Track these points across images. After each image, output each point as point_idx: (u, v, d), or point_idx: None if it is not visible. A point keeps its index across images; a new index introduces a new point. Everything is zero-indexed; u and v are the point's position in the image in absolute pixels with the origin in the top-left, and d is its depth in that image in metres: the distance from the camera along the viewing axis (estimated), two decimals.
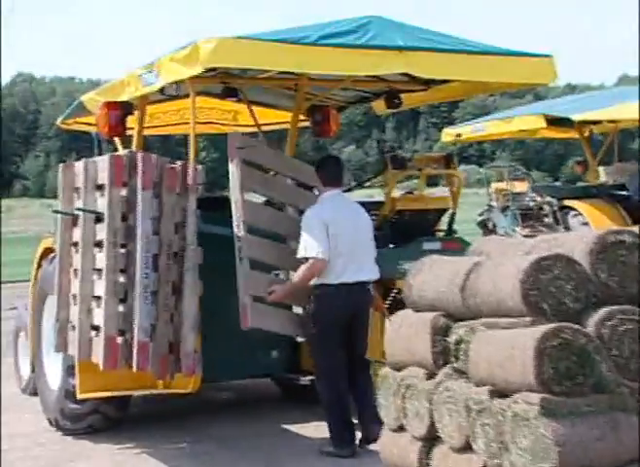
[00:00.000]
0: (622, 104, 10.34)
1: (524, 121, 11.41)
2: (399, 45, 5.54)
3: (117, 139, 6.78)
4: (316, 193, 6.17)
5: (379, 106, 7.60)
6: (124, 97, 6.33)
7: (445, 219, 7.30)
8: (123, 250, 5.39)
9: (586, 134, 12.15)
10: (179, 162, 5.48)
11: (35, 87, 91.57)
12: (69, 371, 6.35)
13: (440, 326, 3.52)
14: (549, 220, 11.36)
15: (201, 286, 5.45)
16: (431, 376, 3.53)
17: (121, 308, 5.39)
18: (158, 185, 5.35)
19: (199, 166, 5.40)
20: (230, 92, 6.61)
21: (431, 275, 3.63)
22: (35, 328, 7.09)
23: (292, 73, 6.76)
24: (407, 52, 5.54)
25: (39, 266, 7.11)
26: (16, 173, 75.26)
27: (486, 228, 11.94)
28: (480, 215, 12.05)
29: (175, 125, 8.23)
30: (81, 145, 75.97)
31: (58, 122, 7.87)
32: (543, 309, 3.16)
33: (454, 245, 6.84)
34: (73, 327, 5.99)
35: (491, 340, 3.22)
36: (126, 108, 6.44)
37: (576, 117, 10.76)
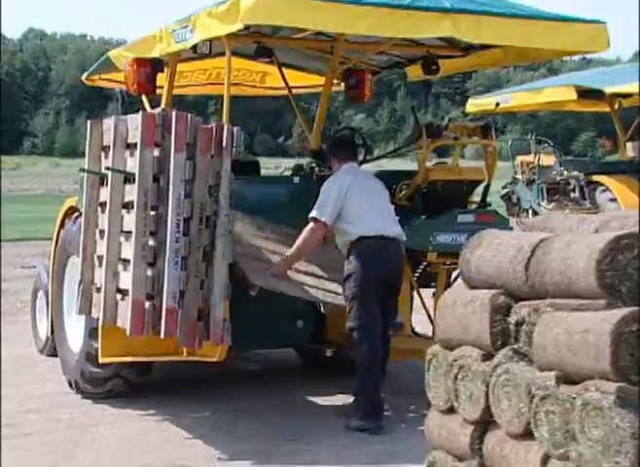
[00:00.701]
0: None
1: (555, 92, 11.17)
2: (445, 6, 5.32)
3: (144, 97, 6.59)
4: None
5: (414, 72, 7.39)
6: (154, 54, 6.13)
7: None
8: (153, 212, 5.20)
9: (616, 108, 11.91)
10: (214, 123, 5.27)
11: (46, 43, 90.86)
12: (91, 334, 6.19)
13: (499, 305, 3.32)
14: (575, 195, 11.17)
15: (233, 253, 5.26)
16: (488, 357, 3.34)
17: (149, 272, 5.20)
18: (191, 146, 5.14)
19: (235, 128, 5.18)
20: (263, 52, 6.39)
21: (491, 250, 3.43)
22: (56, 289, 6.93)
23: (327, 35, 6.56)
24: (454, 14, 5.32)
25: (62, 225, 6.92)
26: (25, 131, 74.83)
27: (510, 201, 11.75)
28: (504, 188, 11.84)
29: (202, 85, 8.01)
30: (91, 104, 75.67)
31: (83, 77, 7.66)
32: (619, 292, 2.96)
33: (489, 218, 6.64)
34: (98, 289, 5.83)
35: (560, 322, 3.02)
36: (157, 65, 6.25)
37: (608, 89, 10.51)
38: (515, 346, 3.26)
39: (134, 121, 5.40)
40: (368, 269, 5.61)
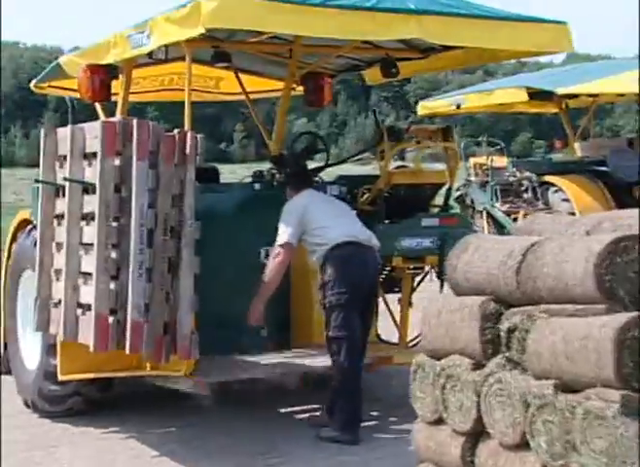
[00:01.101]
0: (608, 78, 10.15)
1: (506, 94, 11.18)
2: (410, 8, 5.22)
3: (98, 105, 6.40)
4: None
5: (372, 75, 7.29)
6: (108, 60, 5.94)
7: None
8: (115, 224, 5.03)
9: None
10: (176, 131, 5.11)
11: None
12: (49, 350, 5.99)
13: (490, 312, 3.22)
14: (528, 196, 11.19)
15: (199, 264, 5.10)
16: (478, 366, 3.24)
17: (112, 286, 5.03)
18: (154, 154, 4.98)
19: (198, 135, 5.03)
20: (221, 57, 6.23)
21: (479, 256, 3.33)
22: (9, 304, 6.69)
23: (283, 39, 6.45)
24: (419, 15, 5.22)
25: (14, 238, 6.69)
26: None
27: (464, 203, 11.72)
28: (457, 190, 11.81)
29: (156, 91, 7.83)
30: (26, 113, 74.53)
31: (32, 85, 7.43)
32: (619, 296, 2.88)
33: (452, 221, 6.58)
34: (56, 305, 5.63)
35: (557, 328, 2.94)
36: (111, 72, 6.07)
37: (560, 90, 10.55)
38: (508, 354, 3.17)
39: (93, 129, 5.22)
40: (346, 274, 5.52)
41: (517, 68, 70.06)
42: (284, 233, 5.67)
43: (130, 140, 4.98)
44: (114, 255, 5.02)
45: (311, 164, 6.72)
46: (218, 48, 6.21)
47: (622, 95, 11.75)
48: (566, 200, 10.85)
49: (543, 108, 12.19)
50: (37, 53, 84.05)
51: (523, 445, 3.07)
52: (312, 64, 6.81)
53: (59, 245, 5.59)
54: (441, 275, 6.55)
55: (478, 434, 3.30)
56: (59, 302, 5.55)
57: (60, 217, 5.64)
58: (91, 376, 5.85)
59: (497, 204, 10.96)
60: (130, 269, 4.94)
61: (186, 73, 5.48)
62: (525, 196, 11.17)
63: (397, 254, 6.28)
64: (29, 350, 6.45)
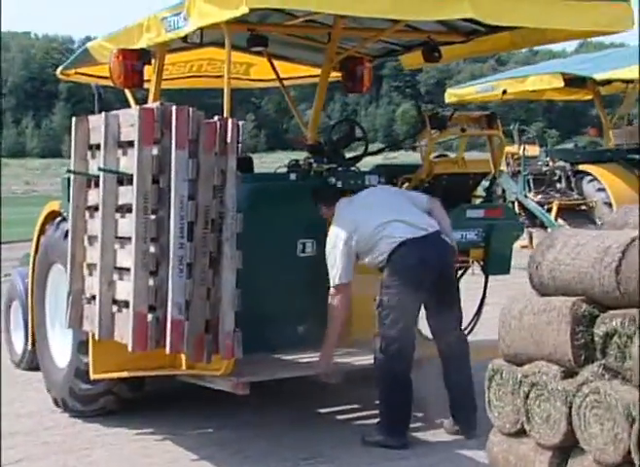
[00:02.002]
0: None
1: (540, 80, 10.86)
2: None
3: (128, 92, 6.14)
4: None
5: (411, 60, 7.03)
6: (141, 44, 5.68)
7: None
8: (153, 216, 4.76)
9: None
10: (216, 118, 4.83)
11: None
12: (81, 348, 5.75)
13: (582, 314, 2.95)
14: (561, 185, 10.89)
15: (240, 258, 4.84)
16: (569, 374, 2.97)
17: (151, 282, 4.77)
18: (193, 143, 4.71)
19: (241, 122, 4.75)
20: (257, 41, 5.94)
21: (568, 252, 3.06)
22: (37, 299, 6.44)
23: (322, 22, 6.18)
24: None
25: (42, 231, 6.43)
26: None
27: (494, 193, 11.39)
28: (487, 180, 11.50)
29: (184, 78, 7.55)
30: (38, 102, 74.26)
31: (58, 72, 7.15)
32: None
33: (498, 213, 6.31)
34: (88, 301, 5.39)
35: None
36: (144, 56, 5.79)
37: (598, 76, 10.23)
38: (605, 362, 2.89)
39: (129, 117, 4.95)
40: (401, 275, 5.22)
41: (530, 58, 69.57)
42: (336, 273, 5.35)
43: (169, 128, 4.71)
44: (152, 249, 4.76)
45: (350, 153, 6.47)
46: (254, 31, 5.92)
47: None
48: (602, 190, 10.57)
49: (576, 95, 11.88)
50: (48, 43, 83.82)
51: (625, 464, 2.79)
52: (350, 49, 6.53)
53: (92, 238, 5.35)
54: (485, 270, 6.29)
55: (567, 449, 3.03)
56: (93, 298, 5.31)
57: (93, 209, 5.39)
58: (125, 374, 5.61)
59: (530, 195, 10.66)
60: (170, 265, 4.68)
61: (225, 58, 5.20)
62: (559, 185, 10.89)
63: None
64: (59, 347, 6.21)
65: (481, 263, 6.27)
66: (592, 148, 14.68)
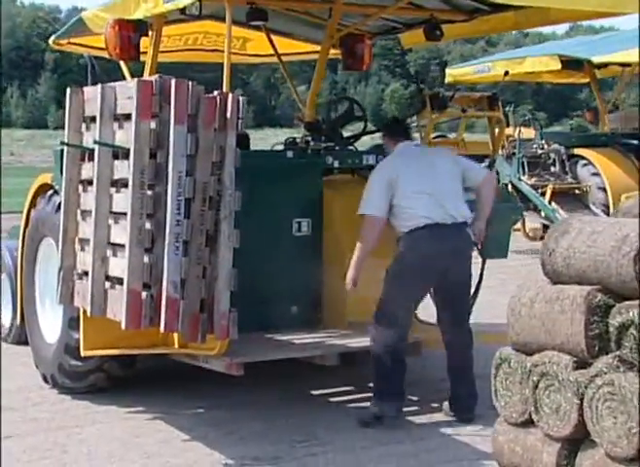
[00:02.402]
0: None
1: (538, 62, 10.77)
2: None
3: (123, 64, 6.00)
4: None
5: (411, 38, 6.92)
6: (138, 15, 5.53)
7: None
8: (150, 192, 4.64)
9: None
10: (216, 92, 4.72)
11: None
12: (71, 323, 5.66)
13: (597, 304, 2.87)
14: (556, 169, 10.82)
15: (238, 237, 4.74)
16: (581, 364, 2.89)
17: (146, 259, 4.66)
18: (193, 118, 4.59)
19: (241, 97, 4.64)
20: (258, 15, 5.81)
21: (583, 240, 2.97)
22: (27, 273, 6.33)
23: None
24: None
25: (33, 204, 6.31)
26: None
27: None
28: (482, 162, 11.41)
29: (179, 51, 7.41)
30: (23, 73, 73.36)
31: (50, 41, 7.01)
32: None
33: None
34: (80, 276, 5.28)
35: None
36: (141, 28, 5.65)
37: (596, 59, 10.14)
38: (619, 353, 2.81)
39: (126, 89, 4.83)
40: (408, 255, 5.21)
41: (520, 39, 69.23)
42: (367, 203, 5.29)
43: (168, 102, 4.59)
44: (148, 226, 4.64)
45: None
46: (254, 4, 5.80)
47: None
48: (596, 174, 10.52)
49: (572, 78, 11.79)
50: (35, 11, 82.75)
51: (639, 458, 2.72)
52: (350, 26, 6.42)
53: (85, 213, 5.23)
54: (483, 253, 6.22)
55: (577, 441, 2.96)
56: (85, 273, 5.20)
57: (86, 183, 5.27)
58: (116, 352, 5.52)
59: (524, 177, 10.59)
60: (166, 242, 4.57)
61: (225, 31, 5.07)
62: (553, 169, 10.82)
63: None
64: (49, 323, 6.12)
65: (479, 246, 6.19)
66: (582, 131, 14.63)
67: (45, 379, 6.05)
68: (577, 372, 2.91)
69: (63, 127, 5.34)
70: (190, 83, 4.58)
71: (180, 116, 4.55)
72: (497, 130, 6.42)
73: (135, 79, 4.75)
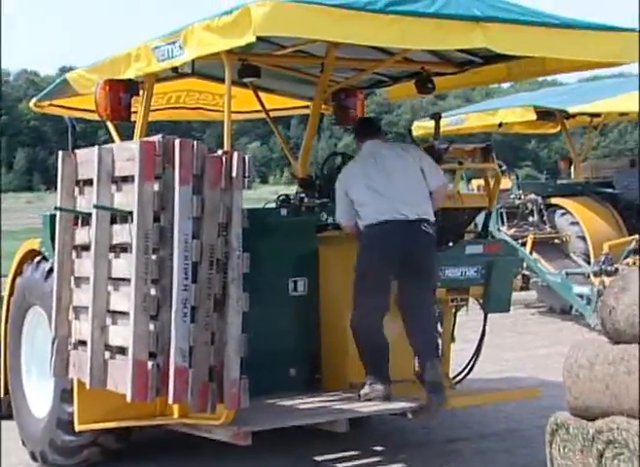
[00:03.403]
0: (625, 95, 9.80)
1: (512, 113, 10.80)
2: (475, 14, 4.76)
3: (111, 125, 5.82)
4: None
5: (399, 91, 6.86)
6: (129, 74, 5.39)
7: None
8: (154, 257, 4.45)
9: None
10: (220, 151, 4.57)
11: None
12: (64, 396, 5.38)
13: None
14: (534, 219, 10.79)
15: (247, 300, 4.55)
16: None
17: (152, 327, 4.45)
18: (198, 178, 4.43)
19: (247, 156, 4.49)
20: (250, 72, 5.67)
21: None
22: (12, 344, 6.05)
23: (313, 54, 5.98)
24: (484, 23, 4.76)
25: (19, 271, 6.05)
26: None
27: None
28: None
29: (162, 109, 7.25)
30: None
31: (31, 104, 6.81)
32: None
33: (497, 248, 6.12)
34: (75, 346, 5.05)
35: None
36: (132, 88, 5.49)
37: (571, 109, 10.19)
38: None
39: (124, 151, 4.67)
40: (366, 253, 5.49)
41: (468, 93, 70.18)
42: (336, 212, 5.72)
43: (171, 162, 4.43)
44: (153, 292, 4.45)
45: None
46: (245, 61, 5.67)
47: (624, 114, 11.44)
48: (575, 223, 10.50)
49: (542, 128, 11.85)
50: None
51: None
52: (342, 81, 6.33)
53: (80, 280, 5.03)
54: (485, 307, 6.09)
55: None
56: (81, 343, 4.99)
57: (80, 248, 5.07)
58: (113, 425, 5.26)
59: (503, 228, 10.53)
60: (173, 309, 4.38)
61: (225, 89, 4.92)
62: (531, 219, 10.78)
63: (440, 285, 5.78)
64: (37, 396, 5.82)
65: (481, 301, 6.06)
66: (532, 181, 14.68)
67: (33, 457, 5.75)
68: None
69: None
70: (194, 142, 4.43)
71: (185, 176, 4.39)
72: (493, 182, 6.31)
73: (137, 140, 4.59)
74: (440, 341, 5.93)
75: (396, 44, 4.83)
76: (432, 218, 5.54)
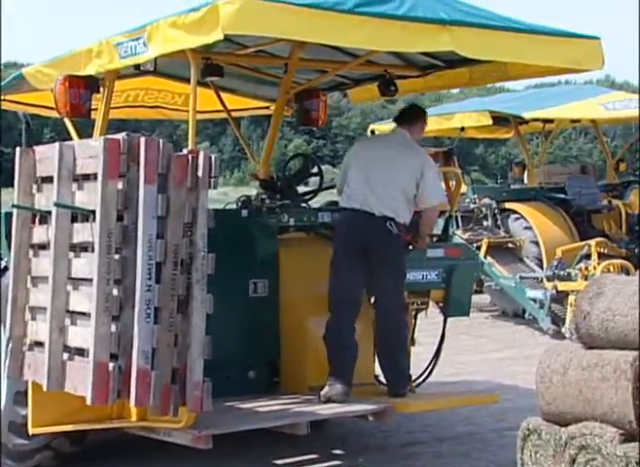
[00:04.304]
0: (578, 102, 9.92)
1: (468, 118, 10.86)
2: (442, 18, 4.75)
3: (69, 123, 5.70)
4: None
5: (360, 94, 6.85)
6: (89, 71, 5.29)
7: None
8: (117, 256, 4.36)
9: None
10: (185, 150, 4.49)
11: None
12: (17, 399, 5.24)
13: None
14: (488, 223, 10.86)
15: (211, 302, 4.49)
16: (629, 437, 2.71)
17: (113, 328, 4.36)
18: (163, 177, 4.35)
19: (213, 155, 4.43)
20: (213, 71, 5.59)
21: (623, 301, 2.84)
22: None
23: (276, 55, 5.94)
24: (451, 27, 4.75)
25: None
26: None
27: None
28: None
29: (119, 108, 7.13)
30: None
31: None
32: None
33: (457, 252, 6.16)
34: (30, 347, 4.94)
35: None
36: (92, 84, 5.39)
37: (526, 115, 10.28)
38: None
39: (87, 148, 4.57)
40: (337, 235, 5.68)
41: (418, 97, 70.70)
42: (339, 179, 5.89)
43: (136, 161, 4.35)
44: (115, 292, 4.36)
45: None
46: (209, 60, 5.59)
47: (576, 121, 11.58)
48: (528, 228, 10.59)
49: (497, 133, 11.93)
50: None
51: None
52: (305, 83, 6.29)
53: (37, 279, 4.92)
54: (445, 311, 6.10)
55: None
56: (37, 344, 4.87)
57: (37, 247, 4.96)
58: (69, 428, 5.13)
59: (458, 232, 10.58)
60: (136, 309, 4.29)
61: (191, 88, 4.84)
62: (485, 223, 10.86)
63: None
64: None
65: (441, 304, 6.07)
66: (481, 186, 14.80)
67: None
68: (624, 445, 2.74)
69: None
70: (160, 140, 4.35)
71: (150, 175, 4.31)
72: (454, 186, 6.33)
73: (100, 137, 4.50)
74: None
75: (363, 45, 4.81)
76: (401, 219, 5.56)
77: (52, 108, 5.83)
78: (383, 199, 5.53)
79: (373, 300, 5.65)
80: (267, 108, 6.85)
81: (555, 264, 9.59)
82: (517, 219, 10.68)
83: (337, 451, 5.81)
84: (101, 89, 5.46)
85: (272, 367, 5.90)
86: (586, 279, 8.83)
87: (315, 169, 6.29)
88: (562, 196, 10.86)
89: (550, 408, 2.99)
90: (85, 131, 5.64)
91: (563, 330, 9.15)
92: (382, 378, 5.94)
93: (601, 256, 9.48)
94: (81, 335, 4.53)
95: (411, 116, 5.86)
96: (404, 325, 5.69)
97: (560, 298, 9.48)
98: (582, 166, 11.97)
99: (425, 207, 5.69)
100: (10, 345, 4.97)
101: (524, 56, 5.03)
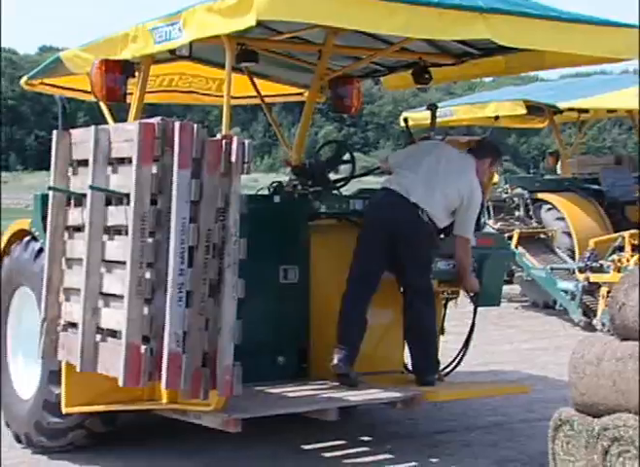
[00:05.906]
0: (614, 92, 9.82)
1: (503, 107, 10.80)
2: (479, 5, 4.72)
3: (105, 107, 5.74)
4: None
5: (395, 81, 6.82)
6: (125, 55, 5.31)
7: None
8: (150, 240, 4.40)
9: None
10: (219, 135, 4.52)
11: None
12: (52, 378, 5.31)
13: None
14: (520, 213, 10.81)
15: (243, 287, 4.52)
16: None
17: (145, 311, 4.41)
18: (197, 162, 4.38)
19: (247, 140, 4.44)
20: (248, 57, 5.61)
21: None
22: None
23: (310, 42, 5.93)
24: (487, 14, 4.72)
25: (6, 251, 5.97)
26: None
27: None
28: None
29: (154, 92, 7.17)
30: None
31: (22, 82, 6.72)
32: None
33: (489, 241, 6.12)
34: (65, 328, 5.00)
35: None
36: (128, 69, 5.42)
37: (561, 104, 10.20)
38: None
39: (122, 132, 4.61)
40: (367, 211, 5.73)
41: (451, 86, 70.52)
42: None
43: (171, 145, 4.38)
44: (148, 275, 4.40)
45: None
46: (244, 45, 5.61)
47: (612, 112, 11.47)
48: (561, 219, 10.52)
49: (531, 123, 11.86)
50: None
51: None
52: (339, 69, 6.28)
53: (72, 261, 4.97)
54: (476, 301, 6.08)
55: None
56: (71, 325, 4.94)
57: (72, 229, 5.01)
58: (101, 408, 5.20)
59: (489, 222, 10.53)
60: (168, 293, 4.33)
61: (226, 73, 4.85)
62: (517, 213, 10.80)
63: (432, 277, 5.77)
64: (23, 377, 5.75)
65: (471, 294, 6.05)
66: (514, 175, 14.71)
67: (17, 439, 5.69)
68: None
69: None
70: (195, 125, 4.38)
71: (184, 160, 4.34)
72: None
73: (136, 121, 4.53)
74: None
75: (399, 32, 4.79)
76: (436, 218, 5.58)
77: (87, 92, 5.88)
78: (423, 194, 5.54)
79: (401, 286, 5.64)
80: (301, 94, 6.86)
81: (588, 255, 9.53)
82: (550, 209, 10.62)
83: (365, 438, 5.83)
84: (136, 74, 5.49)
85: (301, 353, 5.92)
86: (618, 271, 8.76)
87: (347, 156, 6.29)
88: (596, 187, 10.78)
89: (582, 399, 2.97)
90: (118, 115, 5.70)
91: (594, 322, 9.09)
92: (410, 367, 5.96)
93: (635, 248, 9.39)
94: (114, 317, 4.59)
95: (485, 153, 5.87)
96: (432, 309, 5.67)
97: (592, 289, 9.42)
98: (616, 157, 11.86)
99: (454, 240, 5.72)
100: (44, 326, 5.04)
101: (562, 45, 4.98)
